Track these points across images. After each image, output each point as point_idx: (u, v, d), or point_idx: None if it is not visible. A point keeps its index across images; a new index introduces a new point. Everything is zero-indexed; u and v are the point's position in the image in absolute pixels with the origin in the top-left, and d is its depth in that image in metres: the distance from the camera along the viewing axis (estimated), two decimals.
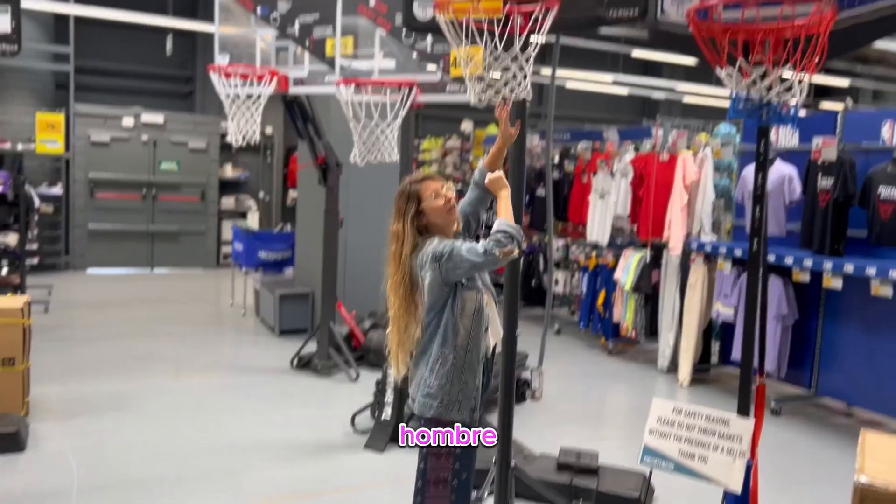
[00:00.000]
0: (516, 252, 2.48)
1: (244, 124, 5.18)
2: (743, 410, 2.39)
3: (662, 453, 2.23)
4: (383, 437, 4.64)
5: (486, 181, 2.79)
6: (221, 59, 5.66)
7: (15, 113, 10.76)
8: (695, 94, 15.66)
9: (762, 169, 2.32)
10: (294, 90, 5.50)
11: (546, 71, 13.15)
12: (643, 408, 6.05)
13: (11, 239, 6.91)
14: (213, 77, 5.10)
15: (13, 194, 7.01)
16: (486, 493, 3.86)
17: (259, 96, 5.27)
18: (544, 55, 3.28)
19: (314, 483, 4.13)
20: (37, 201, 8.47)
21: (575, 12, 2.98)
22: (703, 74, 16.34)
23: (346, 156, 6.26)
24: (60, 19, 11.26)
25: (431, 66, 4.57)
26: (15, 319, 4.65)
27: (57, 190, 10.83)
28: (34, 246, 10.27)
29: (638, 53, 12.92)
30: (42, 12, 10.90)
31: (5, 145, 10.12)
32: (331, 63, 5.11)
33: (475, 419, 2.58)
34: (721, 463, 2.14)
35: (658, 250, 7.08)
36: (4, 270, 6.85)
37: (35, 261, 10.43)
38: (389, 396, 4.72)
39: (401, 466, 4.40)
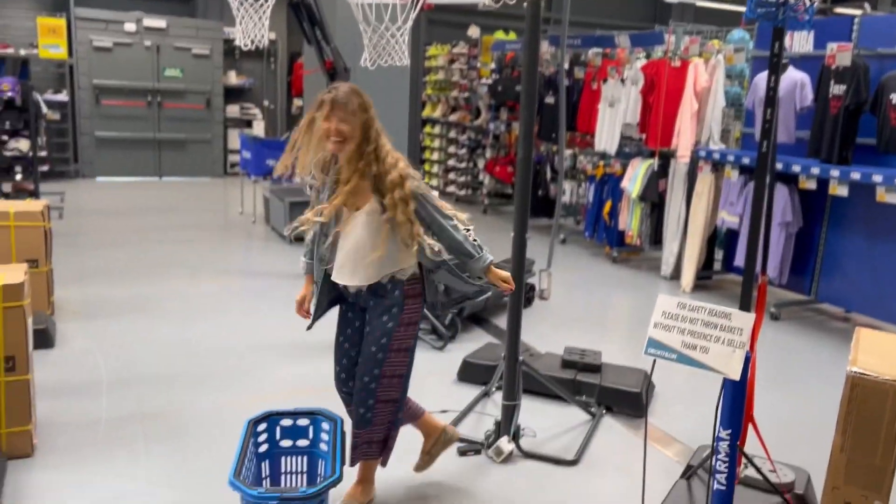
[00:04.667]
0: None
1: (252, 28, 5.11)
2: (745, 307, 2.51)
3: (666, 345, 2.35)
4: None
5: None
6: None
7: (15, 17, 10.57)
8: None
9: (775, 71, 2.35)
10: None
11: None
12: (645, 313, 6.25)
13: (23, 145, 6.95)
14: None
15: (21, 100, 6.99)
16: (495, 388, 4.06)
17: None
18: None
19: (330, 379, 4.33)
20: (44, 108, 8.43)
21: None
22: None
23: (353, 60, 6.21)
24: None
25: None
26: (36, 222, 4.75)
27: (62, 97, 10.76)
28: (43, 153, 10.34)
29: None
30: None
31: (7, 50, 9.98)
32: None
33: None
34: (721, 354, 2.27)
35: (666, 159, 7.10)
36: (18, 176, 6.92)
37: (45, 168, 10.51)
38: None
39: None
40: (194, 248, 7.41)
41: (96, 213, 8.94)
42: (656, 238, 7.33)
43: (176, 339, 4.84)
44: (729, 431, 2.46)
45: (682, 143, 6.77)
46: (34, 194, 7.11)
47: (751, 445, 2.97)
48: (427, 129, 12.16)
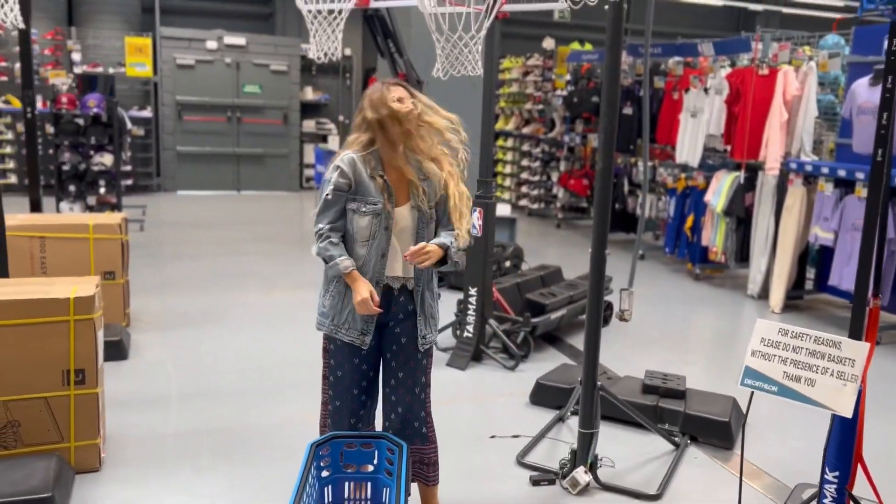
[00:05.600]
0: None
1: (325, 41, 5.09)
2: (855, 334, 2.24)
3: (765, 375, 2.12)
4: (465, 355, 4.67)
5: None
6: None
7: (105, 37, 11.02)
8: (796, 3, 14.57)
9: (892, 71, 2.10)
10: (375, 4, 5.35)
11: None
12: (731, 333, 5.92)
13: (108, 159, 7.17)
14: None
15: (107, 116, 7.22)
16: (570, 413, 3.85)
17: (340, 11, 5.16)
18: None
19: None
20: (128, 123, 8.72)
21: None
22: None
23: (426, 73, 6.14)
24: None
25: None
26: (113, 235, 4.83)
27: (147, 113, 11.14)
28: (128, 167, 10.70)
29: None
30: None
31: (97, 69, 10.41)
32: None
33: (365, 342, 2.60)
34: (830, 387, 2.02)
35: (753, 171, 6.73)
36: (102, 190, 7.13)
37: (129, 182, 10.87)
38: (471, 316, 4.72)
39: (481, 384, 4.44)
40: (270, 260, 7.46)
41: (176, 225, 9.17)
42: (742, 255, 6.94)
43: (248, 350, 4.83)
44: (836, 473, 2.20)
45: (771, 154, 6.40)
46: (116, 207, 7.32)
47: (859, 487, 2.67)
48: (500, 141, 12.02)
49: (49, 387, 3.08)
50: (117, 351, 4.49)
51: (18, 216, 4.84)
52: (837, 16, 12.01)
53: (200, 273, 6.78)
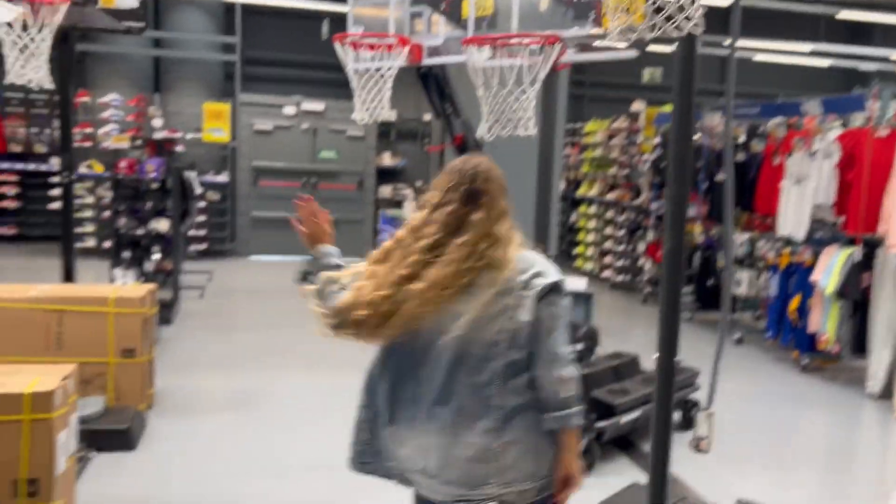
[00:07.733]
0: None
1: (371, 100, 4.64)
2: None
3: None
4: None
5: None
6: (355, 31, 5.17)
7: (185, 104, 11.16)
8: None
9: None
10: (428, 61, 4.88)
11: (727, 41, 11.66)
12: (848, 445, 4.88)
13: (163, 225, 6.95)
14: (338, 49, 4.59)
15: (171, 182, 7.03)
16: None
17: (389, 69, 4.71)
18: (725, 21, 2.43)
19: None
20: (198, 189, 8.57)
21: None
22: None
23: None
24: (229, 9, 11.53)
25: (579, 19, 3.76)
26: (136, 309, 4.45)
27: (223, 178, 11.12)
28: (202, 232, 10.62)
29: (844, 15, 11.07)
30: (212, 2, 11.22)
31: (176, 134, 10.49)
32: (466, 27, 4.43)
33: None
34: None
35: (871, 247, 5.75)
36: (155, 256, 6.89)
37: (203, 246, 10.79)
38: None
39: None
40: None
41: (239, 293, 8.89)
42: (859, 345, 5.90)
43: (266, 448, 4.24)
44: None
45: (893, 228, 5.44)
46: (171, 274, 7.05)
47: None
48: (582, 208, 11.31)
49: None
50: (123, 441, 4.03)
51: (40, 286, 4.53)
52: None
53: (247, 348, 6.34)
